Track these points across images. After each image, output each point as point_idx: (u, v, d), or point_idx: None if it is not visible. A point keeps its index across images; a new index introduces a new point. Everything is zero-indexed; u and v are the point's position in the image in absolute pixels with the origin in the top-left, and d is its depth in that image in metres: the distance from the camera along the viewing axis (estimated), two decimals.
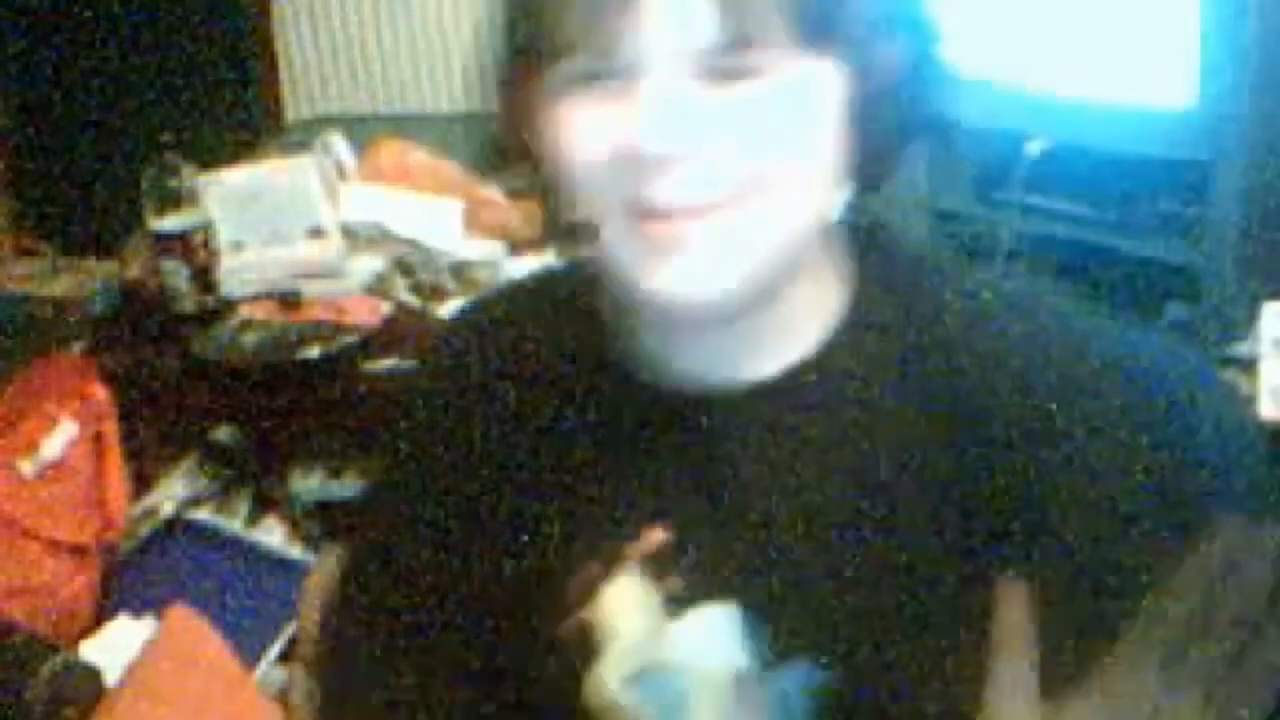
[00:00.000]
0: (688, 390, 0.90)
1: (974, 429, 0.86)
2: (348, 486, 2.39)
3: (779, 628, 0.87)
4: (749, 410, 0.89)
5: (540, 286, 1.03)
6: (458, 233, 2.49)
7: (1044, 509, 0.84)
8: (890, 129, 0.84)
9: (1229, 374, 1.66)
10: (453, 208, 2.51)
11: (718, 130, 0.79)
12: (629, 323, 0.91)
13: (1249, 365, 1.71)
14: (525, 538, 0.94)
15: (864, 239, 0.91)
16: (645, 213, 0.80)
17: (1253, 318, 1.73)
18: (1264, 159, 1.77)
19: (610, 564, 0.90)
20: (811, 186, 0.82)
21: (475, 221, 2.53)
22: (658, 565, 0.89)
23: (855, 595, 0.87)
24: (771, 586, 0.88)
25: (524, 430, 0.95)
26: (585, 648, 0.90)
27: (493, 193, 2.60)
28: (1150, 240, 1.88)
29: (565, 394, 0.94)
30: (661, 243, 0.80)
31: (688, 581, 0.89)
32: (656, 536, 0.90)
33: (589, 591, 0.91)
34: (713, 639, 0.88)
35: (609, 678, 0.89)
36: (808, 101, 0.80)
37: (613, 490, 0.91)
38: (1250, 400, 1.64)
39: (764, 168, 0.80)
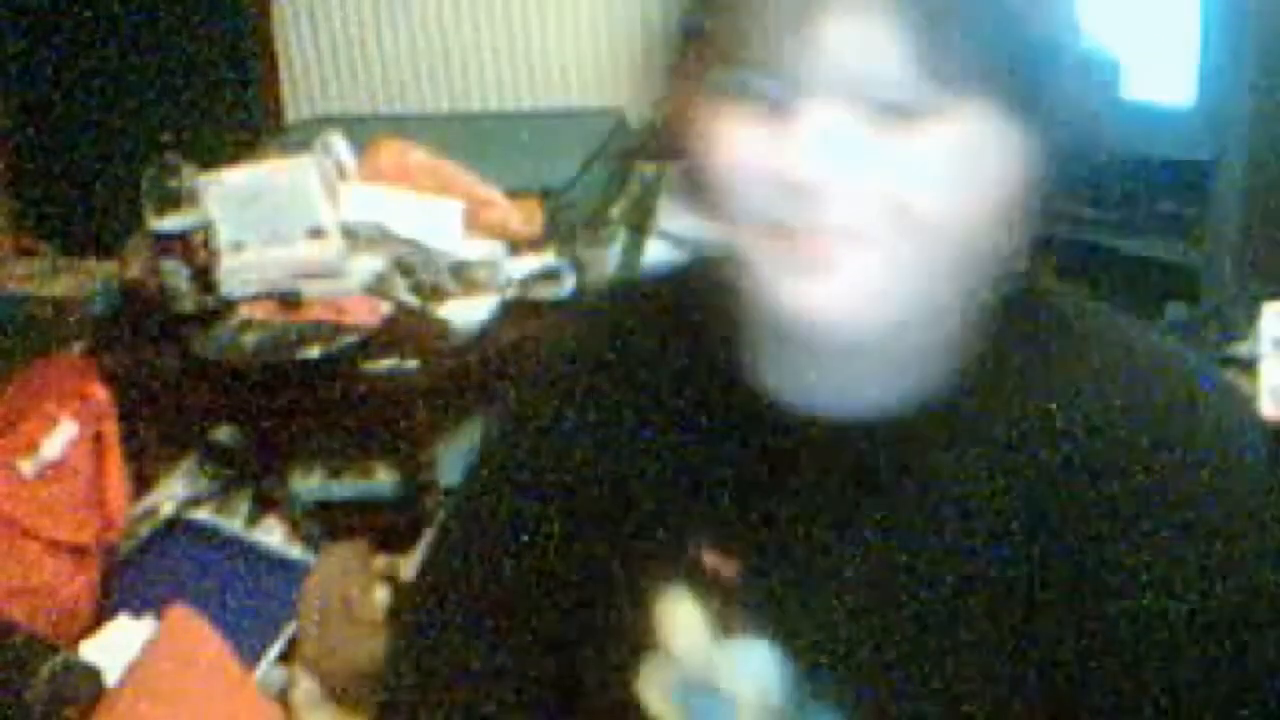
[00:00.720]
0: (790, 416, 0.88)
1: (1066, 515, 0.82)
2: (347, 486, 2.39)
3: (814, 672, 0.86)
4: (843, 450, 0.86)
5: (661, 285, 0.99)
6: (458, 233, 2.49)
7: (1115, 598, 0.82)
8: (1063, 178, 0.82)
9: (1229, 375, 1.66)
10: (453, 208, 2.51)
11: (882, 171, 0.76)
12: (748, 338, 0.88)
13: (1249, 365, 1.71)
14: (603, 532, 0.93)
15: (1015, 292, 0.87)
16: (799, 232, 0.77)
17: (1253, 318, 1.73)
18: (1264, 159, 1.77)
19: (673, 574, 0.90)
20: (974, 233, 0.79)
21: (475, 221, 2.53)
22: (716, 588, 0.88)
23: (899, 658, 0.85)
24: (819, 633, 0.86)
25: (623, 430, 0.93)
26: (634, 650, 0.90)
27: (492, 193, 2.60)
28: (1150, 240, 1.88)
29: (669, 399, 0.92)
30: (811, 260, 0.77)
31: (741, 610, 0.88)
32: (720, 560, 0.88)
33: (645, 599, 0.90)
34: (755, 670, 0.87)
35: (650, 684, 0.90)
36: (976, 154, 0.77)
37: (692, 502, 0.90)
38: (1250, 400, 1.64)
39: (918, 208, 0.76)
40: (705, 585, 0.89)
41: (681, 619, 0.89)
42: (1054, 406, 0.83)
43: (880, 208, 0.76)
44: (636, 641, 0.91)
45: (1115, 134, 0.85)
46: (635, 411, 0.93)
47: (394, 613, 1.88)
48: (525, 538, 0.97)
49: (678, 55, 0.83)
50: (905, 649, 0.85)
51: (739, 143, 0.78)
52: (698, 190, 0.82)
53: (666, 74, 0.84)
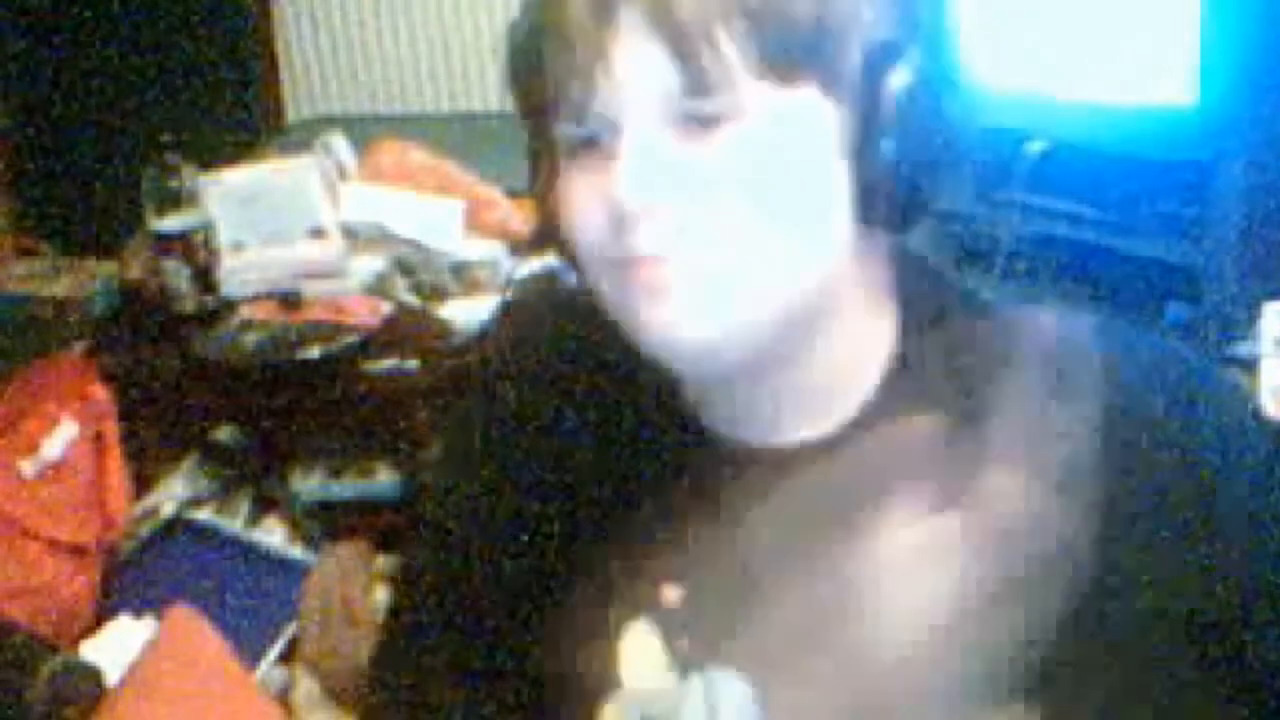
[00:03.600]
0: (725, 447, 0.88)
1: (1062, 517, 0.79)
2: (348, 486, 2.39)
3: (778, 703, 0.85)
4: (775, 474, 0.85)
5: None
6: (458, 233, 2.49)
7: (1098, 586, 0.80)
8: (910, 161, 0.79)
9: (1230, 375, 1.66)
10: (453, 208, 2.51)
11: (695, 182, 0.77)
12: (666, 378, 0.88)
13: (1249, 365, 1.71)
14: (554, 567, 0.93)
15: (906, 283, 0.86)
16: (631, 262, 0.79)
17: (1253, 318, 1.72)
18: (1264, 159, 1.77)
19: (627, 611, 0.89)
20: (812, 235, 0.79)
21: (475, 221, 2.53)
22: (670, 622, 0.88)
23: (856, 680, 0.83)
24: (774, 660, 0.85)
25: (571, 459, 0.93)
26: (593, 689, 0.90)
27: (493, 193, 2.60)
28: (1150, 240, 1.88)
29: (614, 431, 0.92)
30: (646, 287, 0.78)
31: (696, 643, 0.88)
32: (672, 593, 0.88)
33: (604, 634, 0.90)
34: (713, 704, 0.87)
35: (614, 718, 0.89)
36: (791, 139, 0.77)
37: (641, 537, 0.90)
38: (1251, 399, 1.64)
39: (748, 212, 0.77)
40: (666, 620, 0.88)
41: (643, 655, 0.89)
42: (987, 399, 0.81)
43: (708, 221, 0.77)
44: (599, 678, 0.90)
45: (974, 112, 0.83)
46: (583, 434, 0.93)
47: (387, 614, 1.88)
48: (490, 545, 0.96)
49: (529, 140, 0.86)
50: (863, 668, 0.82)
51: (577, 193, 0.80)
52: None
53: (538, 176, 0.87)
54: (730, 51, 0.75)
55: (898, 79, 0.78)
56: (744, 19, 0.75)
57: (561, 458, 0.94)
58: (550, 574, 0.93)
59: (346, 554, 2.17)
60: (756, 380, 0.84)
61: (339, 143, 2.62)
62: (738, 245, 0.77)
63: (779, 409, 0.86)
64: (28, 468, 2.08)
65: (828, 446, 0.85)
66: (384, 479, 2.39)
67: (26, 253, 3.32)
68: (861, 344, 0.85)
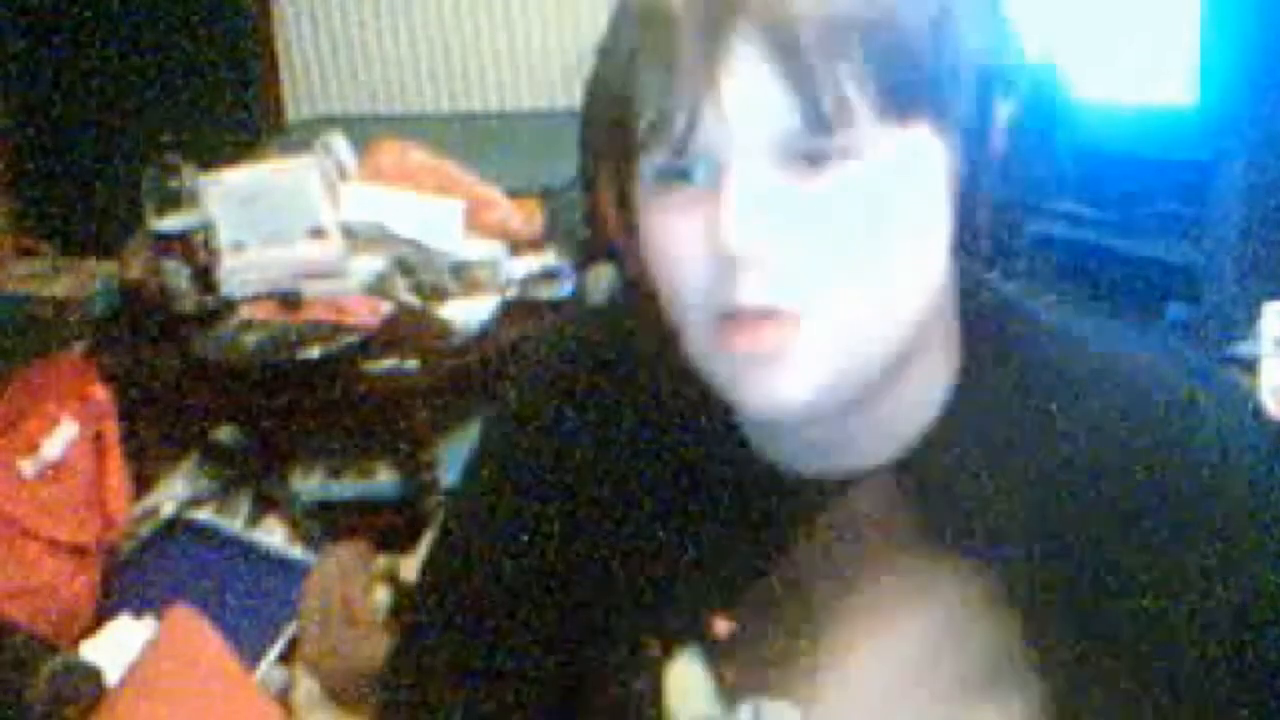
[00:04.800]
0: (780, 478, 0.85)
1: (1071, 534, 0.80)
2: (348, 486, 2.39)
3: None
4: (834, 504, 0.84)
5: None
6: (458, 233, 2.49)
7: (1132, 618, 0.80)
8: (1015, 197, 0.77)
9: (1230, 375, 1.66)
10: (453, 208, 2.51)
11: (808, 224, 0.72)
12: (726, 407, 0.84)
13: (1250, 365, 1.71)
14: (599, 598, 0.91)
15: (969, 309, 0.84)
16: (737, 318, 0.74)
17: (1253, 317, 1.72)
18: (1264, 159, 1.77)
19: (675, 642, 0.88)
20: (920, 273, 0.76)
21: (476, 221, 2.54)
22: (719, 652, 0.87)
23: (910, 713, 0.84)
24: (825, 691, 0.85)
25: (620, 486, 0.91)
26: (641, 716, 0.89)
27: (493, 193, 2.60)
28: (1151, 240, 1.88)
29: (664, 459, 0.89)
30: (756, 355, 0.74)
31: (746, 674, 0.86)
32: (722, 624, 0.87)
33: (652, 664, 0.89)
34: None
35: None
36: (906, 183, 0.74)
37: (690, 566, 0.88)
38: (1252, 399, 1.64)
39: (862, 259, 0.73)
40: (714, 651, 0.87)
41: (690, 685, 0.88)
42: (1050, 421, 0.81)
43: (821, 270, 0.73)
44: (645, 708, 0.89)
45: (1071, 136, 0.80)
46: (629, 458, 0.91)
47: (395, 613, 1.87)
48: (526, 551, 0.95)
49: (600, 152, 0.80)
50: (917, 699, 0.83)
51: (670, 232, 0.75)
52: (641, 288, 0.80)
53: (594, 184, 0.82)
54: (851, 87, 0.71)
55: (1005, 113, 0.76)
56: (866, 53, 0.71)
57: (605, 481, 0.91)
58: (598, 603, 0.92)
59: (346, 554, 2.17)
60: (831, 419, 0.80)
61: (339, 143, 2.62)
62: (853, 293, 0.74)
63: (843, 441, 0.83)
64: (28, 468, 2.08)
65: (886, 476, 0.83)
66: (384, 479, 2.40)
67: (26, 253, 3.32)
68: (929, 376, 0.83)
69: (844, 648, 0.84)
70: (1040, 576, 0.82)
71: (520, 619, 0.96)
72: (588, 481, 0.92)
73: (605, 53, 0.77)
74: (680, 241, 0.75)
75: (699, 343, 0.77)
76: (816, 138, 0.71)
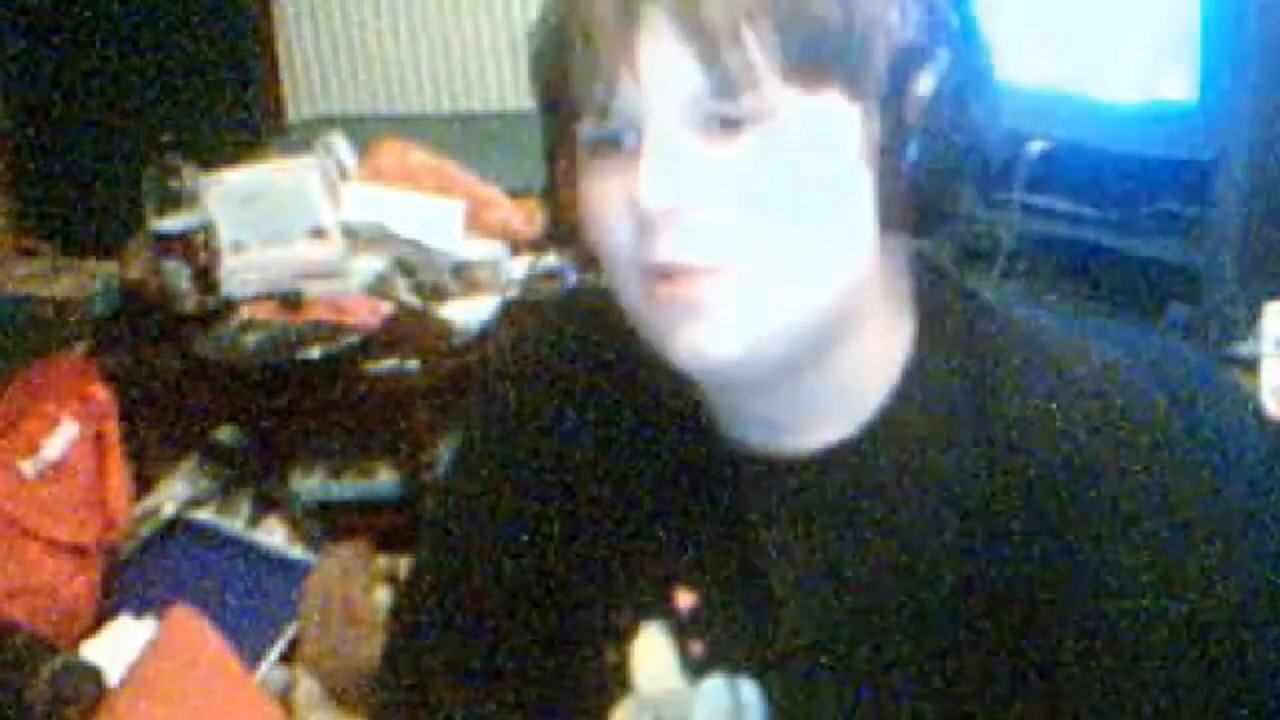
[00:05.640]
0: (740, 455, 0.87)
1: (1024, 504, 0.81)
2: (348, 486, 2.39)
3: (787, 708, 0.86)
4: (790, 481, 0.86)
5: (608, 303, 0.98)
6: (459, 233, 2.49)
7: (1091, 592, 0.81)
8: (936, 166, 0.79)
9: (1230, 374, 1.66)
10: (453, 208, 2.51)
11: (721, 184, 0.76)
12: (682, 382, 0.87)
13: (1250, 365, 1.71)
14: (566, 570, 0.93)
15: (922, 288, 0.86)
16: (657, 273, 0.77)
17: (1254, 318, 1.72)
18: (1265, 159, 1.77)
19: (641, 614, 0.89)
20: (839, 244, 0.78)
21: (476, 221, 2.53)
22: (684, 626, 0.88)
23: (869, 687, 0.84)
24: (786, 665, 0.86)
25: (583, 463, 0.93)
26: (605, 691, 0.90)
27: (493, 193, 2.60)
28: (1151, 240, 1.88)
29: (626, 436, 0.91)
30: (676, 305, 0.77)
31: (709, 647, 0.87)
32: (685, 597, 0.88)
33: (616, 637, 0.90)
34: (727, 711, 0.87)
35: None
36: (816, 146, 0.76)
37: (655, 541, 0.90)
38: (1251, 399, 1.64)
39: (777, 222, 0.76)
40: (678, 624, 0.88)
41: (655, 659, 0.89)
42: (1004, 404, 0.82)
43: (733, 230, 0.76)
44: (610, 682, 0.90)
45: (994, 109, 0.82)
46: (595, 438, 0.93)
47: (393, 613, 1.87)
48: (501, 534, 0.96)
49: (547, 135, 0.84)
50: (875, 674, 0.84)
51: (601, 191, 0.79)
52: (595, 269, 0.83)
53: (548, 160, 0.86)
54: (757, 53, 0.74)
55: (923, 84, 0.78)
56: (771, 21, 0.74)
57: (573, 461, 0.93)
58: (562, 577, 0.93)
59: (346, 554, 2.17)
60: (776, 388, 0.83)
61: (339, 143, 2.61)
62: (766, 253, 0.76)
63: (795, 415, 0.85)
64: (28, 468, 2.08)
65: (842, 452, 0.85)
66: (384, 479, 2.39)
67: (27, 253, 3.32)
68: (879, 349, 0.84)
69: (802, 621, 0.85)
70: (994, 560, 0.82)
71: (499, 602, 0.96)
72: (557, 460, 0.94)
73: (537, 26, 0.82)
74: (608, 203, 0.79)
75: (630, 299, 0.81)
76: (724, 101, 0.75)
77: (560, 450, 0.94)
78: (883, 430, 0.84)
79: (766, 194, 0.76)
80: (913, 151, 0.78)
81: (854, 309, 0.81)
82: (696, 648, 0.88)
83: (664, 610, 0.89)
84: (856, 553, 0.84)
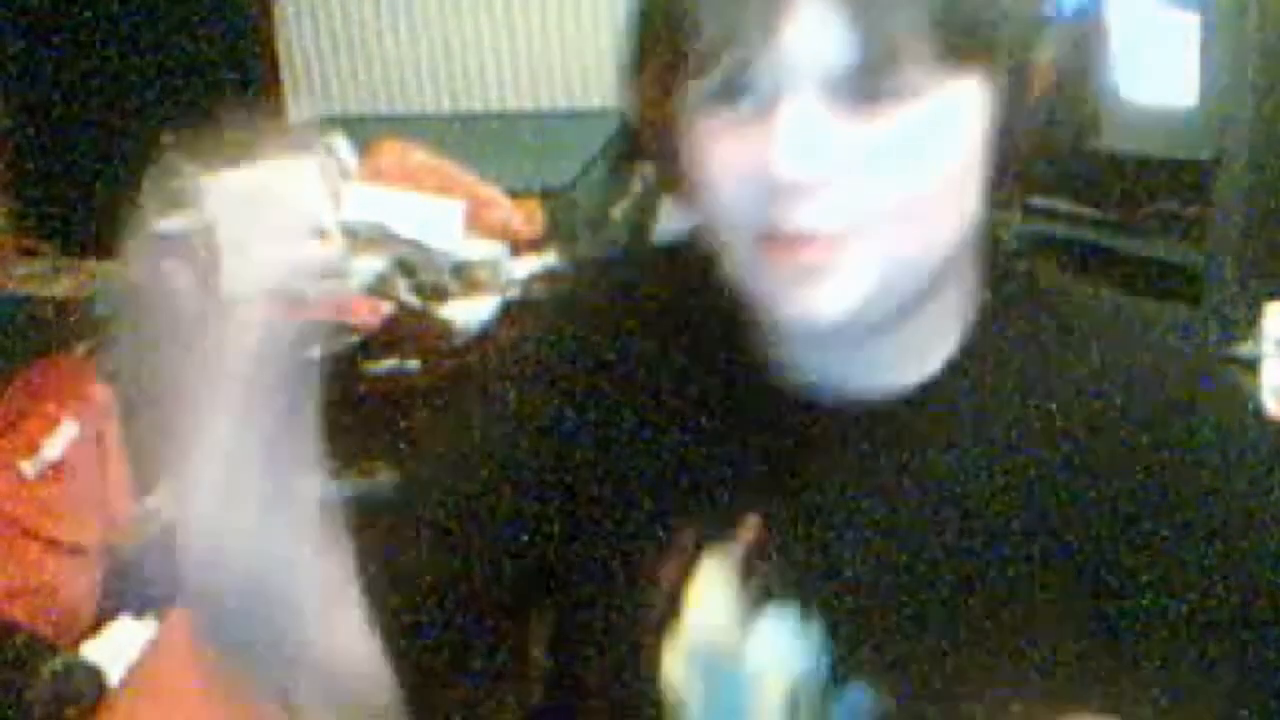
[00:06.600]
0: (811, 395, 0.88)
1: (1088, 458, 0.83)
2: (348, 487, 2.39)
3: (848, 645, 0.86)
4: (856, 424, 0.87)
5: (672, 254, 0.97)
6: (459, 233, 2.49)
7: (1150, 544, 0.82)
8: (1036, 147, 0.80)
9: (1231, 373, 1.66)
10: (454, 208, 2.51)
11: (858, 159, 0.75)
12: (756, 323, 0.88)
13: (1250, 365, 1.71)
14: (630, 496, 0.92)
15: (996, 254, 0.88)
16: (778, 239, 0.77)
17: (1254, 318, 1.72)
18: (1265, 159, 1.77)
19: (704, 542, 0.89)
20: (955, 213, 0.79)
21: (476, 221, 2.54)
22: (747, 557, 0.88)
23: (931, 627, 0.85)
24: (848, 602, 0.86)
25: (649, 392, 0.92)
26: (661, 619, 0.90)
27: (493, 193, 2.60)
28: (1151, 240, 1.88)
29: (693, 370, 0.91)
30: (796, 271, 0.77)
31: (771, 580, 0.88)
32: (751, 528, 0.88)
33: (679, 564, 0.89)
34: (782, 644, 0.87)
35: (674, 652, 0.89)
36: (954, 128, 0.76)
37: (721, 473, 0.90)
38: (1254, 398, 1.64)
39: (905, 197, 0.76)
40: (740, 555, 0.88)
41: (714, 587, 0.89)
42: (1064, 363, 0.85)
43: (863, 201, 0.76)
44: (663, 607, 0.90)
45: (1101, 101, 0.83)
46: (660, 371, 0.92)
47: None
48: (561, 424, 0.93)
49: (646, 62, 0.82)
50: (938, 615, 0.85)
51: (718, 151, 0.78)
52: (684, 195, 0.83)
53: (636, 79, 0.83)
54: (911, 31, 0.73)
55: (1048, 56, 0.79)
56: (931, 3, 0.73)
57: (644, 390, 0.92)
58: (626, 495, 0.92)
59: None
60: (859, 343, 0.84)
61: (339, 143, 2.62)
62: (889, 225, 0.76)
63: (867, 365, 0.86)
64: (28, 468, 2.08)
65: (909, 399, 0.86)
66: (384, 479, 2.39)
67: (27, 253, 3.32)
68: (953, 306, 0.86)
69: (862, 561, 0.86)
70: (1059, 505, 0.84)
71: (550, 512, 0.93)
72: (633, 375, 0.93)
73: None
74: (726, 163, 0.77)
75: (740, 259, 0.80)
76: (871, 77, 0.74)
77: (637, 367, 0.93)
78: (950, 380, 0.86)
79: (898, 173, 0.76)
80: (1028, 134, 0.79)
81: (947, 272, 0.83)
82: (755, 579, 0.88)
83: (727, 540, 0.89)
84: (919, 496, 0.86)
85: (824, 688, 0.86)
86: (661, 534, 0.90)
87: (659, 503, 0.91)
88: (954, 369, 0.86)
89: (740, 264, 0.80)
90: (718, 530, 0.89)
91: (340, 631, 0.89)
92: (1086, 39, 0.81)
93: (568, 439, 0.93)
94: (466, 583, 0.93)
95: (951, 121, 0.76)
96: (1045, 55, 0.79)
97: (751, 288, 0.81)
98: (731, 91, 0.76)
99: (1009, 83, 0.78)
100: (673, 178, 0.83)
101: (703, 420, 0.91)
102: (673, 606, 0.90)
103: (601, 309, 0.95)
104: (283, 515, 0.85)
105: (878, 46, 0.73)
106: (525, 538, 0.93)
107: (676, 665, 0.89)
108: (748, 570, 0.88)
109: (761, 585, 0.88)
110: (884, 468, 0.87)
